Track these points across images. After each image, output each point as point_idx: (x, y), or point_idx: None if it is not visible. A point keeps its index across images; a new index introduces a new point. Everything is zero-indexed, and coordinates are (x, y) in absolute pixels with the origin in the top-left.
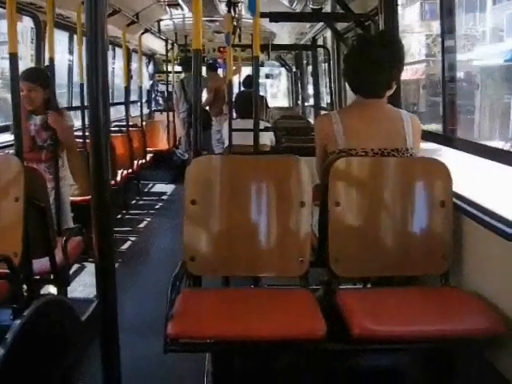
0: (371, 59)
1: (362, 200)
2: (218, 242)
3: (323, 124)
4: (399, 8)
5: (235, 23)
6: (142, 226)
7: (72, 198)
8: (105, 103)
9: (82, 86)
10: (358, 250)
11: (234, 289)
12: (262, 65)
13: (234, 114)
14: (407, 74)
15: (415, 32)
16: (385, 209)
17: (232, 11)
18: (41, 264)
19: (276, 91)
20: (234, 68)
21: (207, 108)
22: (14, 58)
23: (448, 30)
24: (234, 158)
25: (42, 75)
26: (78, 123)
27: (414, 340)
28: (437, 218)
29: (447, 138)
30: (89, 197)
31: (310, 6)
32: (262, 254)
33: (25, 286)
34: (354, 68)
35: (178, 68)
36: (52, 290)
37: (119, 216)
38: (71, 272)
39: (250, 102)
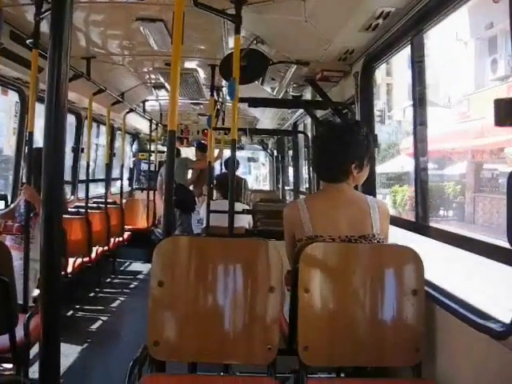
0: (324, 149)
1: (331, 287)
2: (184, 326)
3: (290, 212)
4: None
5: (218, 107)
6: (114, 305)
7: None
8: (59, 185)
9: None
10: (327, 338)
11: (200, 376)
12: (242, 148)
13: (215, 195)
14: None
15: None
16: (355, 297)
17: (215, 95)
18: (1, 340)
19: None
20: (218, 152)
21: (191, 188)
22: None
23: (420, 122)
24: (202, 239)
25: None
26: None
27: None
28: (408, 308)
29: (418, 226)
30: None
31: (291, 93)
32: (229, 340)
33: None
34: (313, 157)
35: (162, 147)
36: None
37: (92, 294)
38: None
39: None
